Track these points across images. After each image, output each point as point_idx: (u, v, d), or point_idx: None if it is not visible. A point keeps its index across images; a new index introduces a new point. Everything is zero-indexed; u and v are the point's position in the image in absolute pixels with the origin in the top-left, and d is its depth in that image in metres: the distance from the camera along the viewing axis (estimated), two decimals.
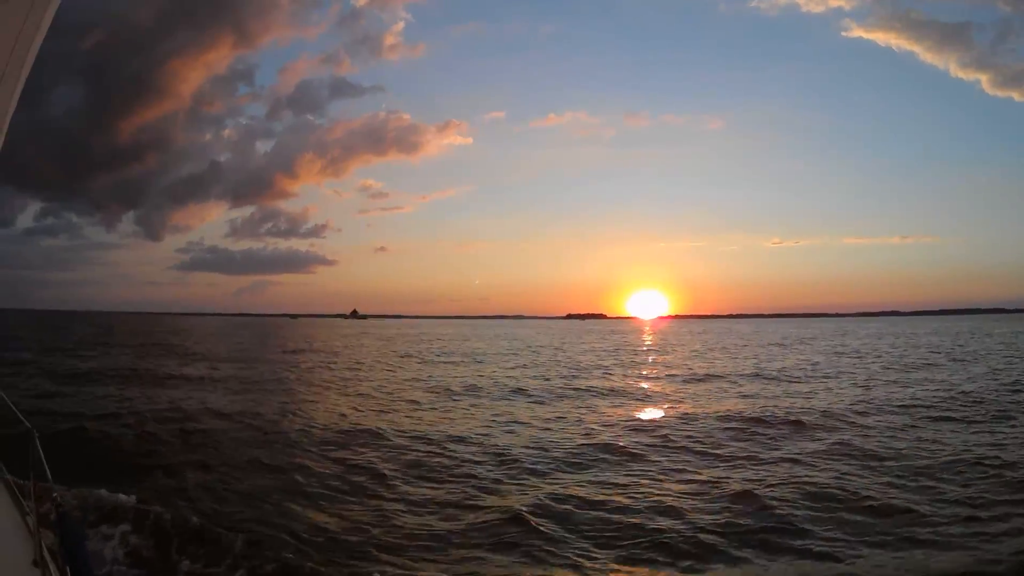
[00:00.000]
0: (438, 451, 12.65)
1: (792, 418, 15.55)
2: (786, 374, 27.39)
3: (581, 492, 9.77)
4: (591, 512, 8.83)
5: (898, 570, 6.77)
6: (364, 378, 27.32)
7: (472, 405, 19.20)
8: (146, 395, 19.86)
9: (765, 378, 25.95)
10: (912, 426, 14.84)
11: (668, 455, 12.18)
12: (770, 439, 13.53)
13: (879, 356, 37.41)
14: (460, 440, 13.71)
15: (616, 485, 10.17)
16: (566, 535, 8.05)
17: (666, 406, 18.70)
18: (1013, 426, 14.67)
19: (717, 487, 9.91)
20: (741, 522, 8.35)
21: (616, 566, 7.23)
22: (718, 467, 11.24)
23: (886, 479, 10.32)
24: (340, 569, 7.16)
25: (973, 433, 13.96)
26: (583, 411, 17.81)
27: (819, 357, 37.76)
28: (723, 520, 8.44)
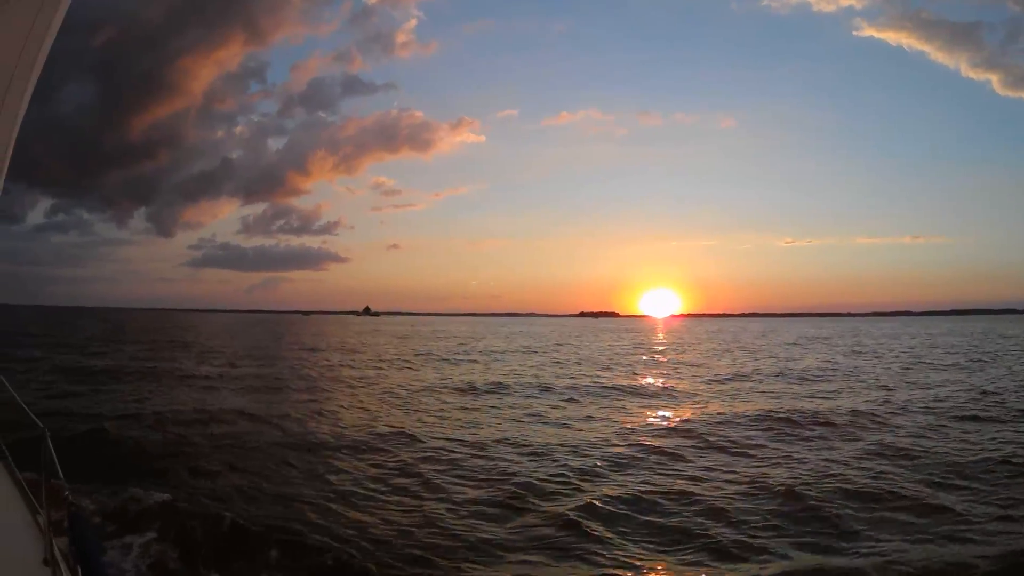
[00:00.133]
0: (474, 452, 12.61)
1: (822, 418, 15.90)
2: (809, 374, 27.68)
3: (624, 493, 9.79)
4: (636, 514, 8.90)
5: (947, 566, 7.06)
6: (388, 376, 27.37)
7: (501, 404, 19.31)
8: (166, 395, 19.84)
9: (789, 378, 26.23)
10: (939, 426, 15.16)
11: (705, 455, 12.42)
12: (803, 439, 13.87)
13: (897, 356, 37.58)
14: (496, 441, 13.64)
15: (658, 485, 10.19)
16: (613, 536, 8.09)
17: (696, 405, 18.99)
18: None
19: (759, 486, 10.11)
20: (787, 521, 8.58)
21: (669, 568, 7.28)
22: (757, 467, 11.46)
23: (919, 477, 10.64)
24: (389, 571, 7.12)
25: (998, 433, 14.28)
26: (613, 410, 18.14)
27: (839, 357, 37.96)
28: (769, 519, 8.63)
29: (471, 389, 22.65)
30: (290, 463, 11.71)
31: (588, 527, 8.35)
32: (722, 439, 13.74)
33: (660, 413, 17.64)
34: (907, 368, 29.89)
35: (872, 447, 12.84)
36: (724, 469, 11.34)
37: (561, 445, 13.21)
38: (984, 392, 20.64)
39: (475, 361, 36.17)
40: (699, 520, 8.61)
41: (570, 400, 20.12)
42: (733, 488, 10.11)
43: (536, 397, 20.80)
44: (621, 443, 13.50)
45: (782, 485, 10.09)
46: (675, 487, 10.12)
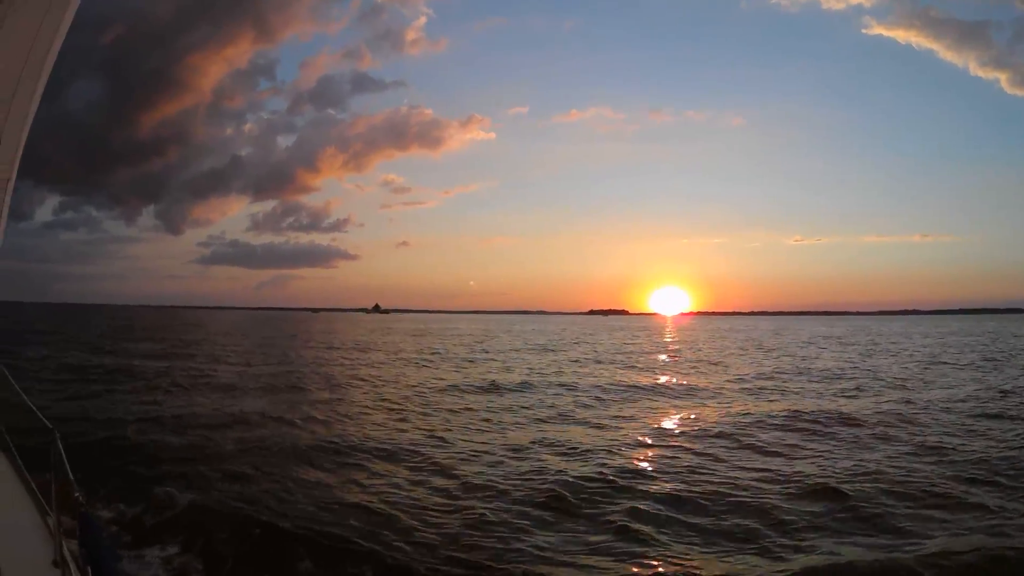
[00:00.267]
0: (510, 454, 12.55)
1: (849, 417, 16.20)
2: (829, 373, 27.95)
3: (666, 494, 9.92)
4: (682, 516, 8.98)
5: (991, 564, 7.32)
6: (407, 375, 27.36)
7: (527, 403, 19.38)
8: (183, 396, 19.52)
9: (811, 377, 26.51)
10: (963, 424, 15.48)
11: (738, 455, 12.61)
12: (833, 437, 14.18)
13: (911, 356, 37.78)
14: (532, 442, 13.61)
15: (698, 486, 10.29)
16: (662, 539, 8.16)
17: (722, 405, 19.24)
18: None
19: (798, 485, 10.28)
20: (830, 520, 8.78)
21: (723, 572, 7.31)
22: (792, 466, 11.63)
23: (951, 474, 10.89)
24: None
25: (1023, 431, 14.60)
26: (640, 410, 18.42)
27: (855, 356, 38.18)
28: (812, 519, 8.77)
29: (494, 388, 22.69)
30: (319, 466, 11.56)
31: (636, 529, 8.41)
32: (753, 439, 13.98)
33: (688, 413, 17.87)
34: (925, 368, 30.11)
35: (902, 446, 13.15)
36: (760, 469, 11.46)
37: (596, 446, 13.25)
38: (1003, 392, 20.90)
39: (493, 359, 36.42)
40: (744, 522, 8.71)
41: (597, 399, 20.35)
42: (772, 488, 10.20)
43: (562, 396, 20.99)
44: (655, 443, 13.73)
45: (820, 484, 10.26)
46: (715, 488, 10.20)
